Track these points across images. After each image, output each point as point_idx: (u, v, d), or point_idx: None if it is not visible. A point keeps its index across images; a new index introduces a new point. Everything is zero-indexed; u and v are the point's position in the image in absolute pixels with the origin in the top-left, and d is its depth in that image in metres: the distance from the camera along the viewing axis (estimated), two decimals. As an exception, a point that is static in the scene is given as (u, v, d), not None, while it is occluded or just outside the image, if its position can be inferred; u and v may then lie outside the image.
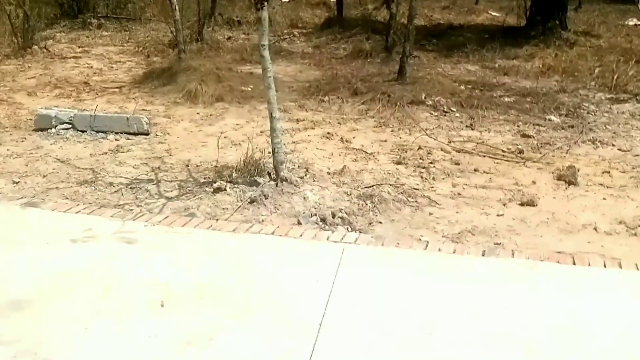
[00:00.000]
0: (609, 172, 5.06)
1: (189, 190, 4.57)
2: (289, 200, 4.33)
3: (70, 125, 5.98)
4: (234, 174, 4.69)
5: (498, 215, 4.24)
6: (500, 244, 3.83)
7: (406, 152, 5.49)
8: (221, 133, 5.97)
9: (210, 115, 6.64)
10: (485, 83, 8.10)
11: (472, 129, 6.24)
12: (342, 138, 5.87)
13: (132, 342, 2.72)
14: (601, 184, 4.80)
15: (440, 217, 4.21)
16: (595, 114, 6.75)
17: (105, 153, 5.44)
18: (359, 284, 3.23)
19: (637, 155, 5.48)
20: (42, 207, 4.23)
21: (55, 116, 5.99)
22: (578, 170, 4.90)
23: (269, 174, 4.66)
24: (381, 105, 6.81)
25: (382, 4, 12.83)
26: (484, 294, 3.13)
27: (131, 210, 4.24)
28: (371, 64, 9.16)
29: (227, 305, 3.01)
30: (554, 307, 3.01)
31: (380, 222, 4.14)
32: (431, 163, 5.24)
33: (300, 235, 3.85)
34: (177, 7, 8.05)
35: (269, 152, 4.81)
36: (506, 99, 7.35)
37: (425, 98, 7.00)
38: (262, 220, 4.10)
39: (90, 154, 5.41)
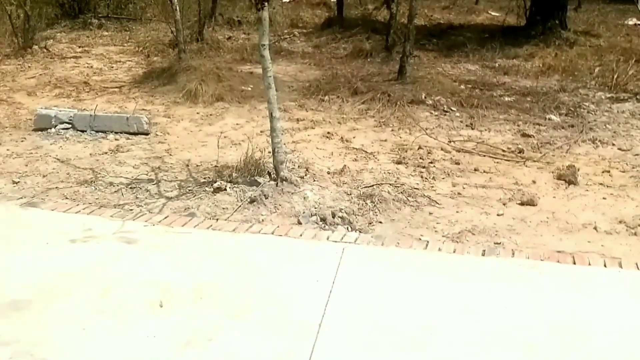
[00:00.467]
0: (609, 172, 5.06)
1: (189, 190, 4.57)
2: (289, 200, 4.33)
3: (70, 125, 5.98)
4: (234, 174, 4.69)
5: (498, 215, 4.24)
6: (500, 243, 3.82)
7: (406, 151, 5.49)
8: (221, 133, 5.97)
9: (210, 115, 6.64)
10: (485, 82, 8.10)
11: (472, 129, 6.23)
12: (342, 138, 5.87)
13: (131, 343, 2.71)
14: (601, 184, 4.79)
15: (440, 217, 4.21)
16: (595, 114, 6.74)
17: (105, 153, 5.44)
18: (359, 283, 3.23)
19: (637, 155, 5.47)
20: (42, 207, 4.22)
21: (55, 116, 5.99)
22: (578, 170, 4.90)
23: (269, 173, 4.66)
24: (381, 105, 6.81)
25: (382, 3, 12.82)
26: (484, 293, 3.13)
27: (131, 210, 4.24)
28: (371, 63, 9.15)
29: (226, 305, 3.01)
30: (554, 307, 3.01)
31: (381, 222, 4.14)
32: (431, 163, 5.24)
33: (300, 235, 3.85)
34: (177, 7, 8.05)
35: (269, 152, 4.80)
36: (506, 99, 7.34)
37: (425, 97, 7.00)
38: (262, 220, 4.10)
39: (90, 154, 5.41)
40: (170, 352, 2.65)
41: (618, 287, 3.25)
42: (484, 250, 3.66)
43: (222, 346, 2.70)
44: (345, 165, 5.05)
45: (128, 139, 5.82)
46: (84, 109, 6.53)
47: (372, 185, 4.64)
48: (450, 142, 5.77)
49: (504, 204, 4.42)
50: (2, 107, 6.86)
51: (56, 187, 4.63)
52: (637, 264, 3.48)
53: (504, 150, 5.57)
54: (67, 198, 4.44)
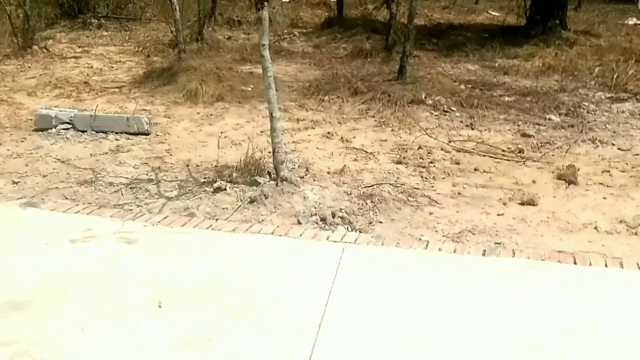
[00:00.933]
0: (609, 172, 5.05)
1: (189, 190, 4.57)
2: (289, 200, 4.33)
3: (71, 125, 5.98)
4: (234, 174, 4.69)
5: (498, 215, 4.24)
6: (500, 243, 3.82)
7: (406, 151, 5.49)
8: (221, 133, 5.97)
9: (211, 115, 6.64)
10: (485, 82, 8.09)
11: (472, 129, 6.23)
12: (342, 138, 5.87)
13: (131, 343, 2.71)
14: (601, 183, 4.79)
15: (440, 217, 4.21)
16: (595, 113, 6.74)
17: (106, 153, 5.44)
18: (359, 283, 3.22)
19: (637, 155, 5.47)
20: (42, 207, 4.22)
21: (55, 116, 5.98)
22: (578, 170, 4.90)
23: (269, 173, 4.65)
24: (381, 105, 6.81)
25: (382, 3, 12.82)
26: (484, 293, 3.13)
27: (131, 210, 4.24)
28: (371, 63, 9.15)
29: (226, 305, 3.01)
30: (555, 307, 3.00)
31: (381, 222, 4.14)
32: (431, 162, 5.24)
33: (300, 235, 3.85)
34: (177, 7, 8.05)
35: (269, 152, 4.80)
36: (506, 99, 7.34)
37: (425, 97, 7.00)
38: (262, 220, 4.10)
39: (91, 154, 5.40)
40: (170, 352, 2.65)
41: (619, 287, 3.25)
42: (485, 250, 3.66)
43: (222, 346, 2.69)
44: (345, 165, 5.05)
45: (128, 139, 5.82)
46: (84, 109, 6.53)
47: (372, 185, 4.64)
48: (450, 142, 5.76)
49: (504, 204, 4.42)
50: (3, 107, 6.86)
51: (56, 187, 4.63)
52: (637, 264, 3.48)
53: (504, 150, 5.57)
54: (67, 198, 4.44)
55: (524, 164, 5.26)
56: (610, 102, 7.19)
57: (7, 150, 5.47)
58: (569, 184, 4.76)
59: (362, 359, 2.63)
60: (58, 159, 5.26)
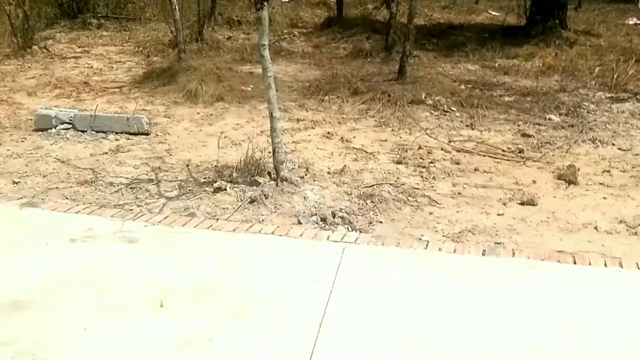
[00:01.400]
0: (609, 171, 5.06)
1: (189, 190, 4.57)
2: (289, 200, 4.33)
3: (71, 125, 5.98)
4: (234, 174, 4.69)
5: (498, 215, 4.24)
6: (500, 243, 3.82)
7: (406, 151, 5.49)
8: (221, 133, 5.97)
9: (211, 115, 6.64)
10: (485, 82, 8.10)
11: (472, 129, 6.24)
12: (342, 138, 5.87)
13: (131, 342, 2.71)
14: (601, 183, 4.80)
15: (440, 217, 4.21)
16: (595, 113, 6.74)
17: (106, 153, 5.44)
18: (359, 283, 3.23)
19: (637, 155, 5.48)
20: (42, 207, 4.22)
21: (55, 116, 5.98)
22: (578, 170, 4.90)
23: (269, 173, 4.66)
24: (381, 105, 6.81)
25: (382, 3, 12.83)
26: (484, 293, 3.13)
27: (131, 210, 4.24)
28: (371, 63, 9.15)
29: (226, 305, 3.01)
30: (555, 307, 3.01)
31: (381, 222, 4.14)
32: (431, 162, 5.24)
33: (301, 235, 3.85)
34: (177, 7, 8.05)
35: (269, 152, 4.80)
36: (506, 99, 7.34)
37: (425, 97, 7.00)
38: (262, 220, 4.10)
39: (91, 154, 5.41)
40: (171, 352, 2.65)
41: (619, 287, 3.25)
42: (484, 250, 3.66)
43: (223, 346, 2.70)
44: (345, 165, 5.05)
45: (128, 139, 5.82)
46: (85, 109, 6.53)
47: (372, 185, 4.64)
48: (450, 142, 5.77)
49: (504, 204, 4.42)
50: (3, 107, 6.86)
51: (56, 187, 4.63)
52: (637, 264, 3.48)
53: (504, 150, 5.57)
54: (67, 198, 4.44)
55: (524, 164, 5.27)
56: (610, 102, 7.20)
57: (7, 150, 5.47)
58: (569, 184, 4.77)
59: (363, 358, 2.63)
60: (58, 159, 5.26)
